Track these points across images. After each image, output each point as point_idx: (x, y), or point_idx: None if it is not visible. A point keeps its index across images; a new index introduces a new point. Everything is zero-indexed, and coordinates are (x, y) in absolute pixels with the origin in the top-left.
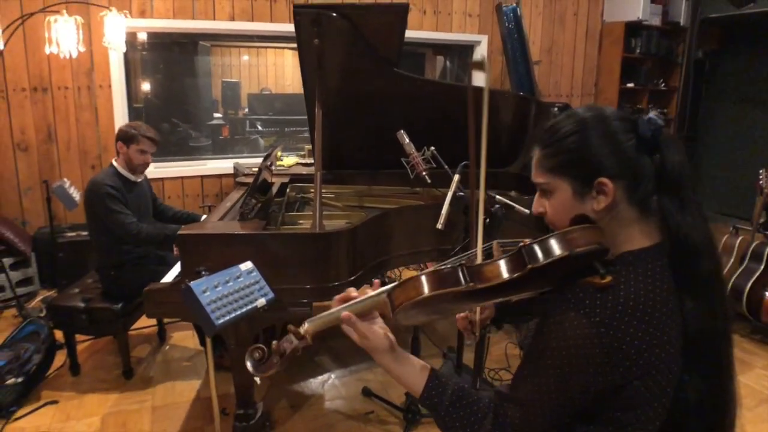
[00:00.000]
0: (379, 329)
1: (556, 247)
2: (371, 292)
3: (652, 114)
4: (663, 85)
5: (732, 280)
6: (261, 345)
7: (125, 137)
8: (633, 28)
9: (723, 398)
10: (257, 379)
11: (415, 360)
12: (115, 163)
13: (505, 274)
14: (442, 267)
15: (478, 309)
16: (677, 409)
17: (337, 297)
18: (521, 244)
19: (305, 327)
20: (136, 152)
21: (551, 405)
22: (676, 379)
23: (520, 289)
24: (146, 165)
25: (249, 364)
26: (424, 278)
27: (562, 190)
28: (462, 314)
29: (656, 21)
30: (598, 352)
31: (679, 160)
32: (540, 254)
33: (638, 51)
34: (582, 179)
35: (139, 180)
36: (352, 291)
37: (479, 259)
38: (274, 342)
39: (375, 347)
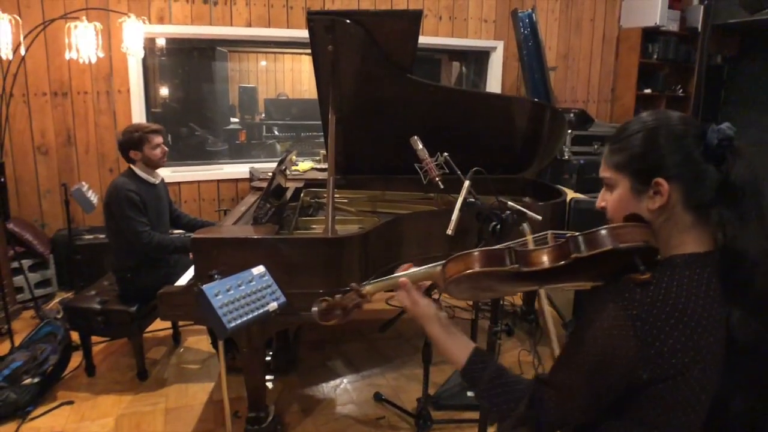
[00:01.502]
0: (429, 299)
1: (601, 239)
2: (429, 265)
3: (724, 125)
4: (681, 91)
5: None
6: (328, 297)
7: (134, 143)
8: (650, 34)
9: (764, 416)
10: (269, 383)
11: (462, 334)
12: (133, 167)
13: (550, 262)
14: (494, 247)
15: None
16: (718, 418)
17: (401, 267)
18: (569, 234)
19: (366, 287)
20: (151, 150)
21: (585, 392)
22: (713, 389)
23: (563, 278)
24: (165, 154)
25: (315, 311)
26: (475, 254)
27: (622, 186)
28: None
29: (674, 27)
30: (632, 345)
31: (745, 173)
32: (585, 245)
33: (655, 57)
34: (640, 177)
35: (157, 182)
36: (412, 264)
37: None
38: (338, 295)
39: (424, 314)
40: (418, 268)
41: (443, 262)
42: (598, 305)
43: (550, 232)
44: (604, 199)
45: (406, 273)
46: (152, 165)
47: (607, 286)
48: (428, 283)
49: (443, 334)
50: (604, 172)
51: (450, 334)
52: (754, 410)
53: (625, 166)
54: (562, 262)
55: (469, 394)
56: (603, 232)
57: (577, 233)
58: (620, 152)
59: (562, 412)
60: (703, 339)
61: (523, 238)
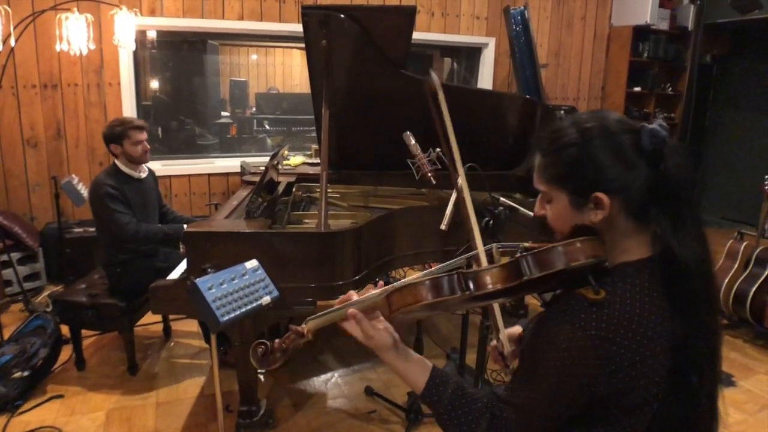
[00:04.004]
0: (382, 327)
1: (553, 260)
2: (373, 292)
3: (656, 124)
4: (670, 89)
5: (736, 285)
6: (264, 341)
7: (114, 138)
8: (641, 32)
9: (695, 417)
10: (261, 377)
11: (419, 357)
12: (117, 162)
13: (501, 283)
14: (440, 274)
15: (506, 342)
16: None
17: (340, 298)
18: (520, 251)
19: (307, 325)
20: (131, 146)
21: (546, 412)
22: (663, 383)
23: (515, 294)
24: (147, 152)
25: (253, 359)
26: (422, 286)
27: (560, 200)
28: (492, 345)
29: (664, 25)
30: (592, 364)
31: (681, 174)
32: (536, 266)
33: (646, 55)
34: (579, 192)
35: (143, 176)
36: (353, 293)
37: (483, 262)
38: (277, 339)
39: (379, 344)
40: (361, 298)
41: (388, 289)
42: (553, 325)
43: (494, 245)
44: (544, 208)
45: (349, 303)
46: (133, 161)
47: (560, 304)
48: (377, 312)
49: (400, 361)
50: (539, 185)
51: (407, 359)
52: (680, 411)
53: (561, 181)
54: (513, 284)
55: None
56: (554, 251)
57: (526, 251)
58: (554, 165)
59: (524, 430)
60: (658, 345)
61: (472, 253)
